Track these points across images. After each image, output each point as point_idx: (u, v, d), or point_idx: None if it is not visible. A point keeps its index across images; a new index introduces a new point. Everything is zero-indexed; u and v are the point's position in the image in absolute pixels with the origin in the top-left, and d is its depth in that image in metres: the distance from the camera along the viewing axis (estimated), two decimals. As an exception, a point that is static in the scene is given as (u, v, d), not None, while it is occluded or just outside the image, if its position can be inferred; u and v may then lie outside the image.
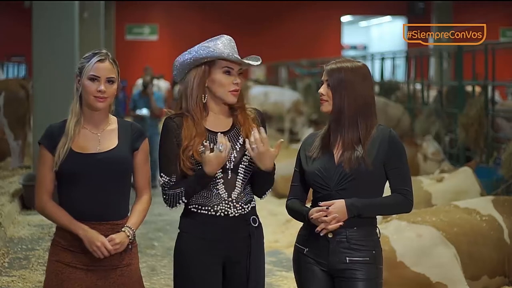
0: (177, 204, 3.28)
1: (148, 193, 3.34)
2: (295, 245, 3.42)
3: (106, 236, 3.19)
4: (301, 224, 3.43)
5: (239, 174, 3.30)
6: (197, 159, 3.22)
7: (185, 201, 3.26)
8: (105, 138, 3.25)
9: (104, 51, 3.26)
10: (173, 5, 28.84)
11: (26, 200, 9.17)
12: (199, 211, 3.28)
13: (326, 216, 3.19)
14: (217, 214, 3.27)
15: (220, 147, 3.17)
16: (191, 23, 28.37)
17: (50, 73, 9.44)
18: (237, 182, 3.30)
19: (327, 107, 3.31)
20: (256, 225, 3.35)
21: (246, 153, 3.29)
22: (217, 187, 3.27)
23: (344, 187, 3.24)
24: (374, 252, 3.28)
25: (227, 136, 3.30)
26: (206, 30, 27.90)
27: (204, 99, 3.30)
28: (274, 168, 3.31)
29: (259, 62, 3.33)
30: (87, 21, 15.59)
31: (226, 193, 3.28)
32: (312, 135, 3.46)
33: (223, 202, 3.27)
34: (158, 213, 9.12)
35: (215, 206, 3.27)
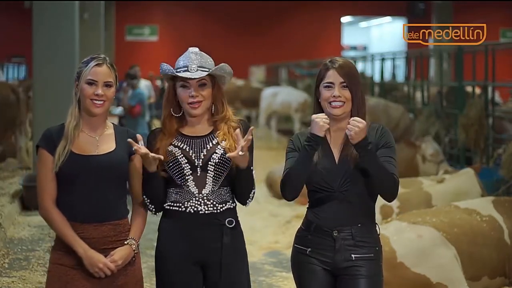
0: (151, 208, 3.35)
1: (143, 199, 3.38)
2: (294, 247, 3.41)
3: (108, 236, 3.22)
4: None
5: (209, 171, 3.31)
6: (165, 158, 3.29)
7: (148, 200, 3.32)
8: (103, 141, 3.29)
9: (102, 55, 3.31)
10: (173, 6, 28.86)
11: (26, 201, 9.17)
12: (171, 207, 3.34)
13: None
14: (187, 211, 3.30)
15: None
16: (191, 24, 28.38)
17: (50, 74, 9.43)
18: (207, 179, 3.32)
19: (345, 108, 3.26)
20: (232, 226, 3.34)
21: (216, 151, 3.32)
22: (187, 183, 3.31)
23: (347, 188, 3.24)
24: (377, 248, 3.31)
25: (201, 139, 3.34)
26: (206, 31, 27.95)
27: (178, 113, 3.36)
28: (250, 166, 3.30)
29: (197, 75, 3.27)
30: (87, 22, 15.59)
31: (197, 190, 3.31)
32: (302, 135, 3.40)
33: (194, 198, 3.31)
34: (158, 214, 9.11)
35: (186, 203, 3.31)
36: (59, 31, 9.53)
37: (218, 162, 3.31)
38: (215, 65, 3.35)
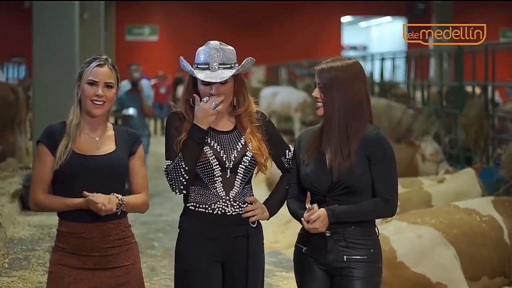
0: (181, 178, 3.22)
1: (145, 194, 3.35)
2: (295, 245, 3.43)
3: (110, 235, 3.22)
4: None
5: (238, 174, 3.31)
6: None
7: (186, 167, 3.22)
8: (103, 143, 3.29)
9: (104, 56, 3.32)
10: (173, 6, 28.86)
11: (26, 200, 9.16)
12: (196, 209, 3.31)
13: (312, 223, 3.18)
14: (214, 213, 3.29)
15: (205, 100, 3.23)
16: (191, 24, 28.39)
17: (50, 74, 9.43)
18: (235, 181, 3.31)
19: (322, 110, 3.28)
20: (255, 225, 3.37)
21: (247, 153, 3.31)
22: (215, 185, 3.29)
23: (337, 193, 3.23)
24: (372, 250, 3.28)
25: (229, 135, 3.33)
26: (206, 30, 27.94)
27: (194, 103, 3.32)
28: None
29: (218, 80, 3.22)
30: (87, 21, 15.59)
31: (224, 192, 3.30)
32: (306, 133, 3.42)
33: (221, 200, 3.29)
34: (158, 214, 9.12)
35: (213, 205, 3.29)
36: (59, 31, 9.52)
37: (249, 164, 3.31)
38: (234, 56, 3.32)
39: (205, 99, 3.25)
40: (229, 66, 3.27)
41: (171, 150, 3.30)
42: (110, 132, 3.34)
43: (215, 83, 3.24)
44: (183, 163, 3.23)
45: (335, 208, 3.19)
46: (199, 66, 3.28)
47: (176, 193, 3.29)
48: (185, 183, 3.25)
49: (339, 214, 3.19)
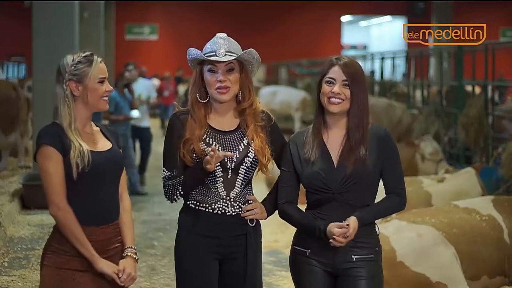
0: (175, 197, 3.32)
1: (127, 195, 3.35)
2: (293, 247, 3.40)
3: (112, 237, 3.21)
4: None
5: (240, 174, 3.31)
6: (198, 153, 3.25)
7: (182, 192, 3.30)
8: (98, 138, 3.25)
9: (89, 51, 3.22)
10: (173, 5, 28.87)
11: (26, 199, 9.17)
12: (197, 207, 3.31)
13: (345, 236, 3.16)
14: (214, 212, 3.30)
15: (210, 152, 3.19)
16: (191, 23, 28.40)
17: (50, 73, 9.36)
18: (236, 182, 3.31)
19: (343, 106, 3.25)
20: (253, 224, 3.37)
21: (249, 154, 3.30)
22: (216, 185, 3.30)
23: (347, 190, 3.22)
24: (377, 249, 3.30)
25: (231, 136, 3.32)
26: (205, 30, 27.92)
27: (204, 99, 3.33)
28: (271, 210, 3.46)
29: (225, 59, 3.23)
30: (87, 21, 15.58)
31: (225, 192, 3.30)
32: (300, 135, 3.40)
33: (221, 200, 3.30)
34: (158, 213, 9.12)
35: (213, 204, 3.30)
36: (59, 30, 9.53)
37: (250, 165, 3.31)
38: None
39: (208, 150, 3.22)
40: (235, 55, 3.28)
41: (169, 160, 3.32)
42: (95, 127, 3.28)
43: (221, 62, 3.24)
44: (180, 188, 3.30)
45: (360, 215, 3.19)
46: (205, 55, 3.28)
47: (169, 202, 3.38)
48: (179, 198, 3.34)
49: (365, 219, 3.21)
